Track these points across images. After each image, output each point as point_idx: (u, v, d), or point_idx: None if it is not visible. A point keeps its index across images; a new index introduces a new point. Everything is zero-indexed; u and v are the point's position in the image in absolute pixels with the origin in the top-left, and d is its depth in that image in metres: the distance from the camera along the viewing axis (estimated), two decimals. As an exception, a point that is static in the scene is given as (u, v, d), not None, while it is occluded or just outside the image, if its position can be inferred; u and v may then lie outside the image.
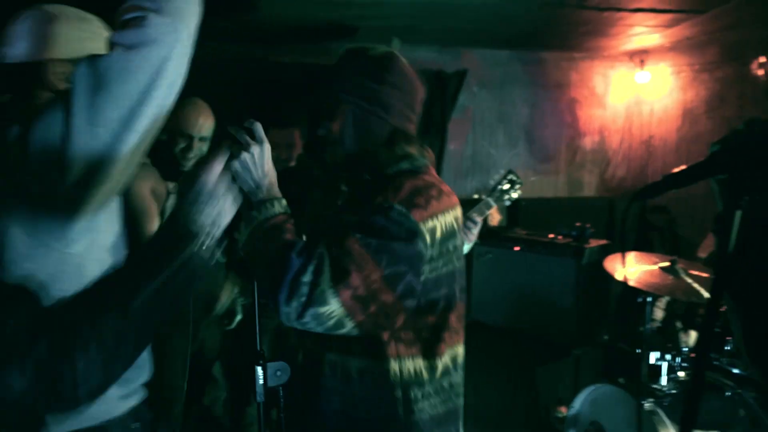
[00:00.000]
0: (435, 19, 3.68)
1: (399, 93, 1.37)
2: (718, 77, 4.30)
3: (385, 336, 1.28)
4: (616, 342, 3.24)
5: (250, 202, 1.25)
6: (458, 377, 1.38)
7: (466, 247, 2.13)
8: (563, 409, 3.08)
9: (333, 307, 1.13)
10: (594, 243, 3.46)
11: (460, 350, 1.39)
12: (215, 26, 3.53)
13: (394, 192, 1.24)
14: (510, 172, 2.44)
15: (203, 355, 2.89)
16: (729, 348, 2.46)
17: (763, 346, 0.88)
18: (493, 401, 3.51)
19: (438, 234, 1.25)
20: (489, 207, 2.31)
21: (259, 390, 1.34)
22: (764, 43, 3.60)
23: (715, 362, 2.57)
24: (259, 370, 1.34)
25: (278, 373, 1.36)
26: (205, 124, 2.45)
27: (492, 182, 2.44)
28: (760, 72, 3.67)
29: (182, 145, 2.40)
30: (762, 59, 3.62)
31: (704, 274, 2.70)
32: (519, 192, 2.42)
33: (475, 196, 2.27)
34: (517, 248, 3.60)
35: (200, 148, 2.45)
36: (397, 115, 1.36)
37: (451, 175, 4.50)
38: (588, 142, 5.01)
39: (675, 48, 4.51)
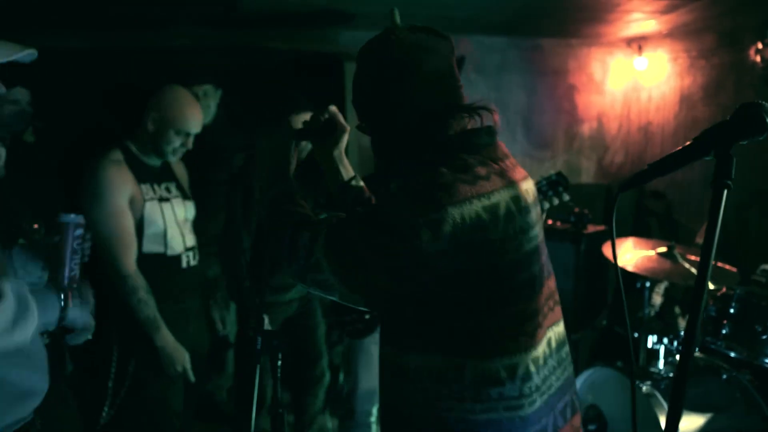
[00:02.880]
0: (429, 7, 3.68)
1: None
2: (714, 64, 4.30)
3: (406, 329, 1.20)
4: (614, 326, 3.27)
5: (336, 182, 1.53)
6: (514, 389, 1.17)
7: None
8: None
9: (327, 275, 1.15)
10: (592, 229, 3.48)
11: (522, 359, 1.18)
12: (197, 13, 3.46)
13: (403, 184, 1.18)
14: (554, 175, 2.12)
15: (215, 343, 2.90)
16: (725, 332, 2.48)
17: None
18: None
19: (447, 228, 1.10)
20: None
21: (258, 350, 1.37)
22: (760, 29, 3.58)
23: (711, 346, 2.59)
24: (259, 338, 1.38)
25: (275, 342, 1.37)
26: (199, 118, 2.37)
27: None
28: (758, 58, 3.66)
29: (176, 143, 2.31)
30: (759, 45, 3.61)
31: (701, 259, 2.72)
32: (565, 197, 2.11)
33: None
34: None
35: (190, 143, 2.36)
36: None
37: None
38: (586, 128, 5.01)
39: (672, 34, 4.50)
